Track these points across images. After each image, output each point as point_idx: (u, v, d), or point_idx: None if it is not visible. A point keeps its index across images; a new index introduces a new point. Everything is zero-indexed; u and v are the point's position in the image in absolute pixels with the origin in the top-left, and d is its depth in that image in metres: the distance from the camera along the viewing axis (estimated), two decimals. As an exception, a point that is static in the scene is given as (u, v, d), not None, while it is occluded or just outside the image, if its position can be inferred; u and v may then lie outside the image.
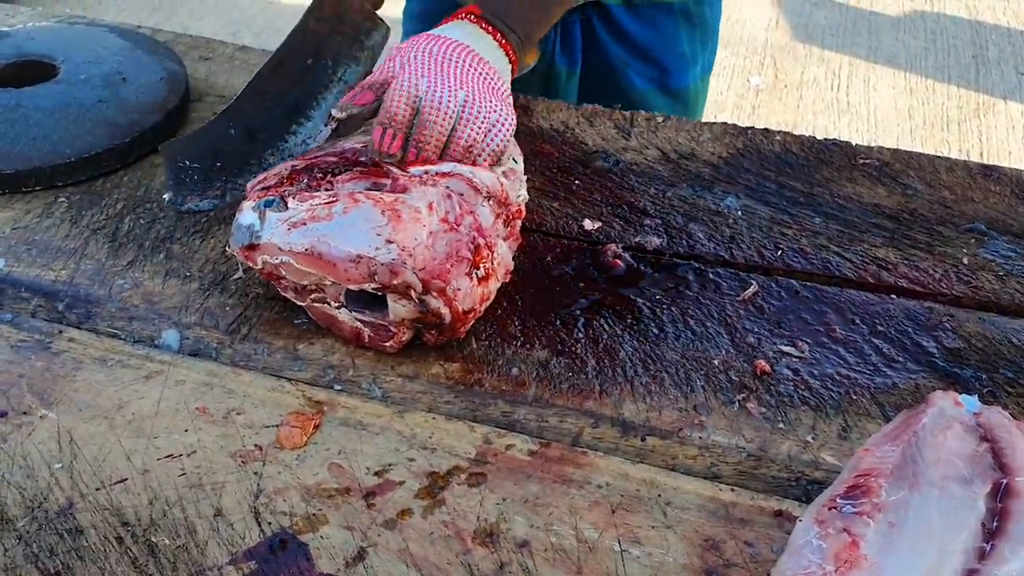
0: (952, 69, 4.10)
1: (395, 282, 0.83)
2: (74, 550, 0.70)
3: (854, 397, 0.85)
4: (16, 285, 0.94)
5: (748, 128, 1.18)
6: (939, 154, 1.12)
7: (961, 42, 4.29)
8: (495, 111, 0.92)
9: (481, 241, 0.87)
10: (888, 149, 1.15)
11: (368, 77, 0.96)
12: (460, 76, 0.93)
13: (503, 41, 1.00)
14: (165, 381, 0.84)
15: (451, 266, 0.85)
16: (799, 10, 4.50)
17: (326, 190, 0.90)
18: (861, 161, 1.13)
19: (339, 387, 0.85)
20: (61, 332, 0.89)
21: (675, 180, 1.11)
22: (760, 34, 4.31)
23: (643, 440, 0.80)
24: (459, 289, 0.85)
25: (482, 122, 0.91)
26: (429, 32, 0.98)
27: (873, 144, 3.34)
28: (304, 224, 0.85)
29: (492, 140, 0.92)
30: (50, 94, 1.12)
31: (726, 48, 4.18)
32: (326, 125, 0.96)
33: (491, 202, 0.91)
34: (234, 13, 4.37)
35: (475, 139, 0.92)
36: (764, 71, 4.09)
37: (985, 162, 1.10)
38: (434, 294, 0.84)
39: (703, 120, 1.23)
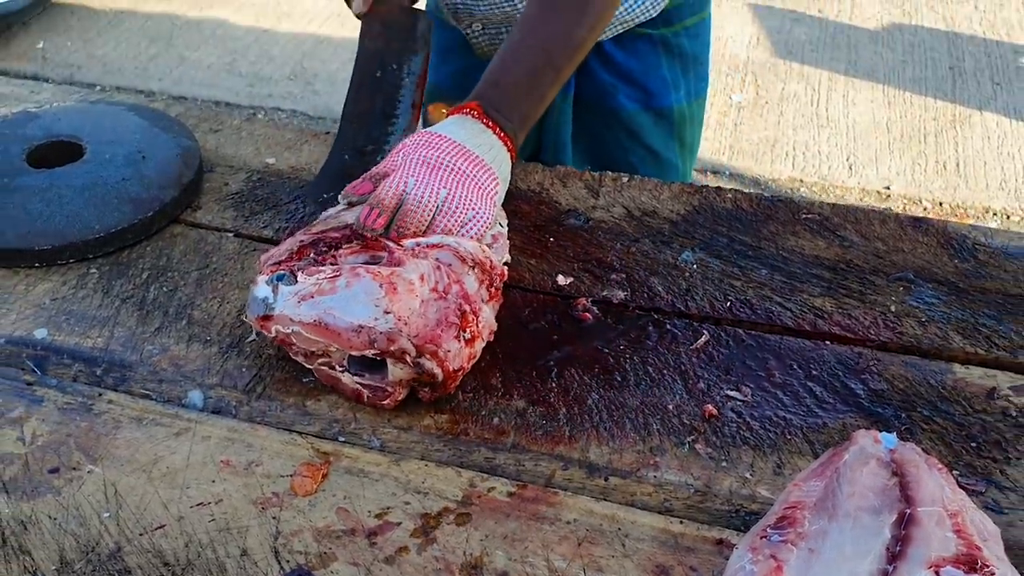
0: (929, 81, 4.24)
1: (392, 348, 0.96)
2: (123, 588, 0.84)
3: (788, 436, 0.98)
4: (59, 352, 1.07)
5: (703, 187, 1.31)
6: (873, 208, 1.25)
7: (938, 54, 4.43)
8: (472, 208, 1.07)
9: (467, 307, 1.00)
10: (828, 204, 1.28)
11: (372, 168, 1.11)
12: (446, 178, 1.08)
13: (502, 134, 1.15)
14: (193, 437, 0.97)
15: (441, 331, 0.98)
16: (779, 26, 4.64)
17: (331, 264, 1.03)
18: (804, 216, 1.26)
19: (343, 439, 0.98)
20: (101, 395, 1.02)
21: (638, 236, 1.24)
22: (741, 51, 4.45)
23: (606, 480, 0.94)
24: (449, 351, 0.98)
25: (458, 216, 1.06)
26: (432, 130, 1.12)
27: (850, 158, 3.42)
28: (312, 297, 0.99)
29: (467, 232, 1.07)
30: (79, 174, 1.25)
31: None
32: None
33: (475, 270, 1.04)
34: (229, 43, 4.51)
35: (450, 229, 1.07)
36: (745, 88, 4.22)
37: (915, 214, 1.23)
38: (427, 357, 0.97)
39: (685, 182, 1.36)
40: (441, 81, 1.64)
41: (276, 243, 1.22)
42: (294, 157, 1.38)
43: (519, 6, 1.46)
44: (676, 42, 1.60)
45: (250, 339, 1.09)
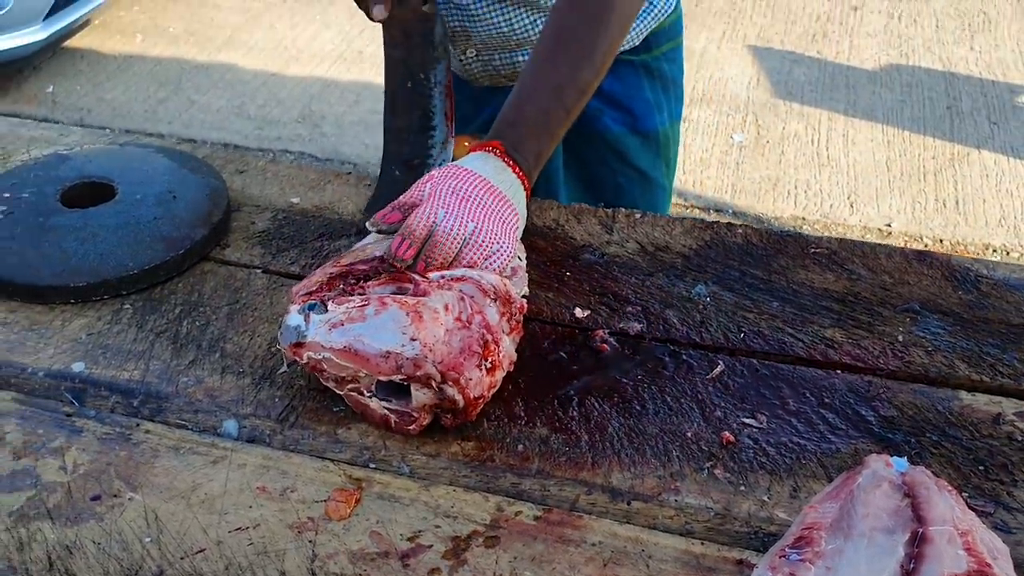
0: (928, 120, 4.31)
1: (418, 373, 1.00)
2: (167, 609, 0.87)
3: (803, 461, 1.02)
4: (96, 385, 1.11)
5: (714, 222, 1.36)
6: (893, 246, 1.29)
7: (936, 94, 4.50)
8: (497, 242, 1.12)
9: (489, 337, 1.04)
10: (836, 239, 1.32)
11: (400, 197, 1.15)
12: (473, 211, 1.12)
13: (520, 172, 1.20)
14: (229, 465, 1.01)
15: (464, 359, 1.02)
16: (778, 67, 4.71)
17: (359, 294, 1.07)
18: (812, 250, 1.31)
19: (374, 465, 1.02)
20: (138, 425, 1.06)
21: (652, 270, 1.28)
22: (742, 92, 4.52)
23: (629, 504, 0.97)
24: (471, 379, 1.02)
25: (484, 249, 1.10)
26: (458, 164, 1.17)
27: (852, 196, 3.47)
28: (342, 325, 1.03)
29: (491, 264, 1.12)
30: (112, 213, 1.30)
31: (709, 106, 4.39)
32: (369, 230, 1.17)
33: (497, 302, 1.09)
34: (238, 87, 4.58)
35: (475, 261, 1.11)
36: (746, 128, 4.29)
37: (920, 248, 1.27)
38: (450, 383, 1.01)
39: (677, 211, 1.41)
40: None
41: (303, 279, 1.26)
42: (317, 196, 1.43)
43: (516, 27, 1.52)
44: (656, 66, 1.69)
45: (281, 371, 1.12)
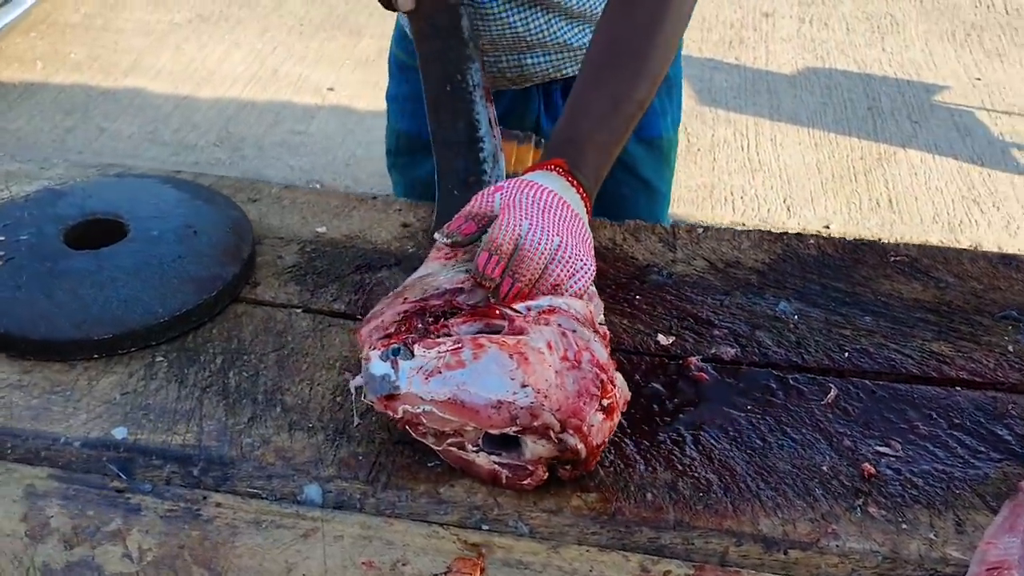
0: (851, 122, 4.33)
1: (535, 424, 0.88)
2: None
3: (956, 491, 0.93)
4: (145, 453, 0.96)
5: (783, 234, 1.27)
6: (960, 246, 1.22)
7: (855, 95, 4.54)
8: (581, 258, 1.01)
9: (604, 376, 0.93)
10: (914, 245, 1.25)
11: (469, 206, 1.04)
12: (557, 223, 1.01)
13: (584, 195, 1.09)
14: (323, 538, 0.88)
15: (583, 403, 0.90)
16: (700, 75, 4.69)
17: (445, 335, 0.95)
18: (892, 259, 1.23)
19: (487, 527, 0.90)
20: (205, 498, 0.91)
21: (728, 289, 1.19)
22: (668, 100, 4.48)
23: (786, 554, 0.87)
24: (592, 425, 0.91)
25: (570, 266, 1.00)
26: (525, 178, 1.06)
27: (787, 199, 3.41)
28: (440, 372, 0.90)
29: (576, 283, 1.01)
30: (128, 253, 1.14)
31: (639, 116, 4.33)
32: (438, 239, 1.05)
33: (598, 336, 0.97)
34: (149, 112, 4.35)
35: (562, 279, 1.00)
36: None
37: (1004, 251, 1.20)
38: (571, 432, 0.89)
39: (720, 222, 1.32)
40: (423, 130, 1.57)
41: (351, 317, 1.13)
42: (345, 225, 1.29)
43: (531, 27, 1.42)
44: None
45: (356, 423, 0.99)
